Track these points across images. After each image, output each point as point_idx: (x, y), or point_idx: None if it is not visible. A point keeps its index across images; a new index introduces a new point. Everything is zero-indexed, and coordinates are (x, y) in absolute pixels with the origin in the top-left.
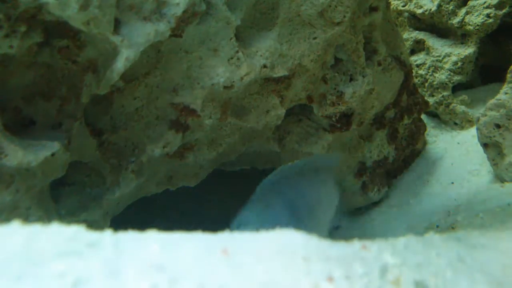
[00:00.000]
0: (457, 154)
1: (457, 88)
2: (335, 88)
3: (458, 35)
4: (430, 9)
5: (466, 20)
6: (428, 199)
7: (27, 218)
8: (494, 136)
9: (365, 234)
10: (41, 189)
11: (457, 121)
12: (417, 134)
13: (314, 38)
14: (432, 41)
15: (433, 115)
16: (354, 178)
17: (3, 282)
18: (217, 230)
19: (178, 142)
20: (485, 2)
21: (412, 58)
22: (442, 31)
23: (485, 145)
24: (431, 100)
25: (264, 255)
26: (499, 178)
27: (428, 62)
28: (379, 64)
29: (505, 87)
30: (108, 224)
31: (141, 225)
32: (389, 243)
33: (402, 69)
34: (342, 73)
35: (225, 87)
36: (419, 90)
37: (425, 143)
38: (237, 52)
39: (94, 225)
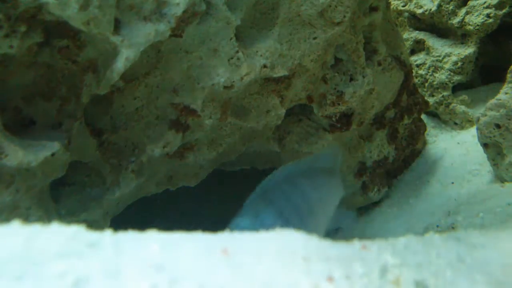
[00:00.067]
0: (457, 154)
1: (457, 88)
2: (335, 88)
3: (458, 35)
4: (430, 9)
5: (466, 20)
6: (428, 199)
7: (27, 218)
8: (494, 136)
9: (365, 234)
10: (41, 189)
11: (457, 121)
12: (417, 134)
13: (314, 38)
14: (432, 41)
15: (433, 115)
16: (354, 178)
17: (3, 282)
18: (217, 230)
19: (178, 142)
20: (485, 2)
21: (412, 58)
22: (442, 31)
23: (485, 145)
24: (431, 100)
25: (264, 255)
26: (499, 178)
27: (428, 62)
28: (379, 64)
29: (505, 87)
30: (108, 224)
31: (141, 225)
32: (389, 243)
33: (402, 69)
34: (342, 73)
35: (225, 87)
36: (419, 90)
37: (425, 143)
38: (237, 52)
39: (94, 225)
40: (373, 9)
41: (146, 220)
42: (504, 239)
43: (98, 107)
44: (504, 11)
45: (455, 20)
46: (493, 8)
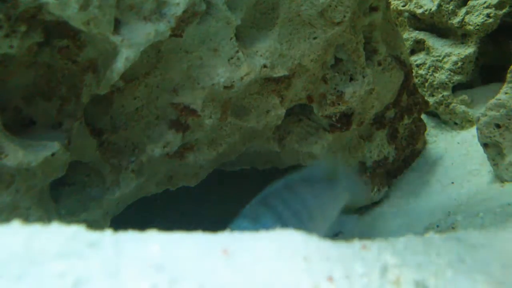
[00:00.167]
0: (457, 154)
1: (457, 88)
2: (335, 88)
3: (458, 35)
4: (430, 9)
5: (466, 20)
6: (428, 199)
7: (27, 218)
8: (494, 136)
9: (365, 234)
10: (41, 189)
11: (457, 121)
12: (417, 134)
13: (314, 38)
14: (432, 41)
15: (433, 115)
16: None
17: (3, 282)
18: (217, 230)
19: (178, 142)
20: (485, 2)
21: (412, 58)
22: (442, 31)
23: (485, 145)
24: (431, 100)
25: (264, 255)
26: (499, 178)
27: (428, 62)
28: (379, 64)
29: (505, 87)
30: (108, 224)
31: (141, 225)
32: (389, 243)
33: (402, 69)
34: (342, 73)
35: (225, 87)
36: (419, 90)
37: (425, 143)
38: (237, 52)
39: (94, 225)
40: (373, 9)
41: (146, 220)
42: (504, 239)
43: (98, 107)
44: (504, 11)
45: (455, 20)
46: (493, 8)
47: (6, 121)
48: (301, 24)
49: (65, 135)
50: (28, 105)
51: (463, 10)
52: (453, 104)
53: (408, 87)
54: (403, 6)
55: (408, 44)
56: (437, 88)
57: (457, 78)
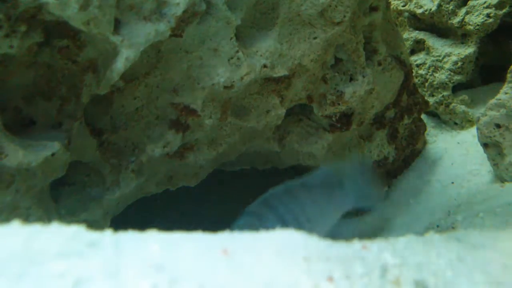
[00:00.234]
0: (457, 154)
1: (457, 88)
2: (335, 88)
3: (458, 35)
4: (430, 9)
5: (466, 20)
6: (428, 199)
7: (27, 218)
8: (494, 136)
9: (365, 234)
10: (41, 189)
11: (457, 121)
12: (417, 134)
13: (314, 38)
14: (432, 41)
15: (433, 115)
16: None
17: (3, 282)
18: (217, 230)
19: (178, 142)
20: (485, 2)
21: (412, 58)
22: (442, 31)
23: (485, 145)
24: (431, 100)
25: (264, 255)
26: (499, 178)
27: (428, 62)
28: (379, 64)
29: (505, 87)
30: (108, 224)
31: (141, 225)
32: (389, 243)
33: (402, 69)
34: (342, 73)
35: (225, 87)
36: (419, 90)
37: (425, 143)
38: (237, 52)
39: (94, 225)
40: (373, 9)
41: (146, 220)
42: (504, 239)
43: (98, 107)
44: (504, 11)
45: (455, 20)
46: (493, 8)
47: (6, 121)
48: (301, 24)
49: (65, 135)
50: (28, 105)
51: (463, 10)
52: (453, 104)
53: (408, 87)
54: (403, 6)
55: (408, 44)
56: (437, 88)
57: (457, 78)
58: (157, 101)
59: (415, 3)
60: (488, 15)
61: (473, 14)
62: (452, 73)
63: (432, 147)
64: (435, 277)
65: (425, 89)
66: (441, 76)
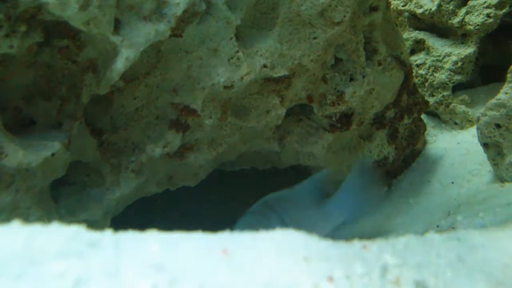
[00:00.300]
0: (457, 154)
1: (457, 88)
2: (335, 88)
3: (458, 35)
4: (430, 9)
5: (466, 20)
6: (428, 199)
7: (27, 218)
8: (494, 136)
9: (366, 234)
10: (41, 189)
11: (457, 121)
12: (417, 134)
13: (314, 38)
14: (432, 41)
15: (433, 115)
16: None
17: (3, 282)
18: (217, 230)
19: (178, 142)
20: (485, 2)
21: (412, 58)
22: (442, 31)
23: (485, 145)
24: (431, 100)
25: (264, 255)
26: (499, 178)
27: (428, 62)
28: (379, 64)
29: (505, 87)
30: (108, 224)
31: (141, 225)
32: (389, 243)
33: (402, 69)
34: (342, 73)
35: (225, 87)
36: (419, 90)
37: (425, 143)
38: (237, 52)
39: (94, 225)
40: (373, 9)
41: (146, 220)
42: (504, 239)
43: (98, 107)
44: (504, 11)
45: (455, 20)
46: (493, 8)
47: (6, 121)
48: (301, 24)
49: (65, 135)
50: (28, 105)
51: (463, 10)
52: (453, 104)
53: (408, 87)
54: (403, 6)
55: (408, 44)
56: (437, 88)
57: (457, 78)
58: (157, 101)
59: (415, 3)
60: (488, 15)
61: (473, 14)
62: (452, 73)
63: (432, 147)
64: (435, 277)
65: (425, 89)
66: (441, 76)
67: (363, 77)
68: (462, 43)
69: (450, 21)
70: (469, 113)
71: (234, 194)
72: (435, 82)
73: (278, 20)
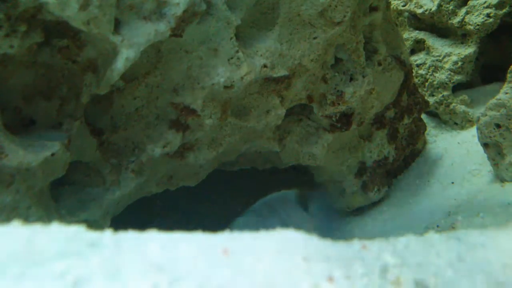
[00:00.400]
0: (457, 154)
1: (457, 88)
2: (335, 88)
3: (458, 35)
4: (430, 9)
5: (466, 19)
6: (428, 199)
7: (27, 218)
8: (494, 136)
9: (365, 234)
10: (41, 189)
11: (457, 121)
12: (417, 134)
13: (314, 38)
14: (432, 41)
15: (433, 115)
16: (354, 178)
17: (3, 282)
18: (217, 230)
19: (178, 142)
20: (485, 2)
21: (412, 58)
22: (442, 31)
23: (485, 145)
24: (431, 100)
25: (264, 255)
26: (500, 178)
27: (428, 62)
28: (379, 64)
29: (506, 87)
30: (108, 224)
31: (141, 225)
32: (389, 243)
33: (402, 69)
34: (342, 73)
35: (225, 87)
36: (419, 90)
37: (425, 143)
38: (237, 52)
39: (94, 225)
40: (373, 9)
41: (146, 220)
42: (504, 239)
43: (98, 107)
44: (504, 10)
45: (455, 20)
46: (493, 8)
47: (6, 121)
48: (301, 24)
49: (65, 135)
50: (28, 105)
51: (463, 10)
52: (453, 104)
53: (408, 87)
54: (403, 6)
55: (408, 44)
56: (437, 88)
57: (457, 78)
58: (157, 101)
59: (415, 3)
60: (488, 15)
61: (473, 14)
62: (452, 73)
63: (432, 147)
64: (435, 277)
65: (425, 89)
66: (441, 76)
67: (363, 77)
68: (462, 43)
69: (450, 21)
70: (469, 113)
71: (234, 194)
72: (435, 82)
73: (278, 20)
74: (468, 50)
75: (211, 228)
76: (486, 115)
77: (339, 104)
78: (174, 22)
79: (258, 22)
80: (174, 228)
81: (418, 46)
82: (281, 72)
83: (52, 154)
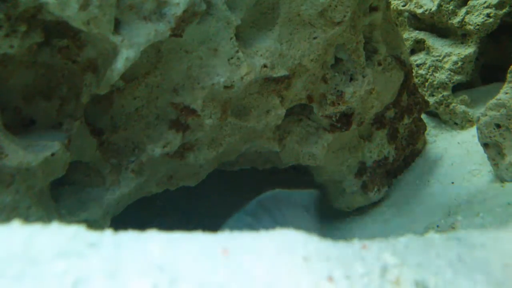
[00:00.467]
0: (457, 154)
1: (457, 88)
2: (335, 88)
3: (458, 35)
4: (430, 9)
5: (466, 19)
6: (428, 199)
7: (27, 218)
8: (494, 136)
9: (365, 234)
10: (41, 189)
11: (457, 121)
12: (417, 134)
13: (314, 38)
14: (432, 41)
15: (433, 115)
16: (354, 178)
17: (3, 282)
18: (217, 230)
19: (178, 142)
20: (485, 2)
21: (412, 58)
22: (442, 31)
23: (485, 145)
24: (431, 100)
25: (264, 255)
26: (499, 178)
27: (428, 62)
28: (379, 64)
29: (505, 87)
30: (108, 224)
31: (141, 225)
32: (389, 243)
33: (402, 69)
34: (342, 73)
35: (225, 87)
36: (419, 90)
37: (425, 143)
38: (237, 52)
39: (94, 225)
40: (373, 9)
41: (146, 220)
42: (504, 239)
43: (98, 107)
44: (504, 10)
45: (455, 20)
46: (493, 8)
47: (6, 121)
48: (301, 24)
49: (65, 135)
50: (28, 105)
51: (463, 10)
52: (453, 104)
53: (408, 87)
54: (403, 6)
55: (408, 44)
56: (437, 88)
57: (457, 78)
58: (157, 101)
59: (415, 3)
60: (488, 15)
61: (473, 14)
62: (452, 73)
63: (432, 147)
64: (435, 277)
65: (425, 89)
66: (441, 76)
67: (363, 77)
68: (462, 43)
69: (450, 21)
70: (469, 113)
71: (234, 194)
72: (435, 82)
73: (278, 20)
74: (468, 50)
75: (211, 228)
76: (486, 115)
77: (339, 104)
78: (174, 22)
79: (258, 22)
80: (174, 228)
81: (418, 46)
82: (281, 72)
83: (52, 154)
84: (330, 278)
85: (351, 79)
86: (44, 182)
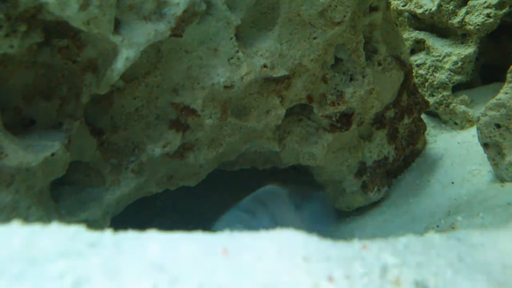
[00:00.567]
0: (457, 154)
1: (457, 88)
2: (335, 88)
3: (458, 35)
4: (430, 9)
5: (466, 20)
6: (428, 199)
7: (27, 218)
8: (494, 136)
9: (365, 234)
10: (41, 189)
11: (457, 121)
12: (417, 134)
13: (314, 38)
14: (432, 41)
15: (433, 115)
16: (354, 178)
17: (3, 282)
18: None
19: (178, 142)
20: (485, 2)
21: (412, 58)
22: (442, 31)
23: (485, 145)
24: (431, 100)
25: (264, 255)
26: (499, 178)
27: (428, 62)
28: (379, 64)
29: (505, 87)
30: (108, 224)
31: (141, 225)
32: (389, 243)
33: (402, 69)
34: (342, 73)
35: (225, 87)
36: (419, 90)
37: (425, 143)
38: (237, 52)
39: (94, 225)
40: (373, 9)
41: (146, 220)
42: (504, 239)
43: (98, 107)
44: (504, 11)
45: (455, 20)
46: (493, 8)
47: (6, 121)
48: (301, 24)
49: (65, 135)
50: (28, 105)
51: (463, 10)
52: (453, 104)
53: (408, 87)
54: (403, 6)
55: (408, 44)
56: (437, 88)
57: (457, 78)
58: (157, 101)
59: (415, 3)
60: (488, 15)
61: (473, 14)
62: (452, 73)
63: (432, 147)
64: (435, 277)
65: (425, 89)
66: (441, 76)
67: (363, 77)
68: (462, 43)
69: (450, 21)
70: (469, 113)
71: (234, 194)
72: (435, 82)
73: (278, 20)
74: (468, 50)
75: (211, 228)
76: (486, 115)
77: (339, 104)
78: (174, 22)
79: (258, 22)
80: (174, 228)
81: (418, 46)
82: (281, 72)
83: (52, 154)
84: (330, 278)
85: (351, 79)
86: (44, 182)
